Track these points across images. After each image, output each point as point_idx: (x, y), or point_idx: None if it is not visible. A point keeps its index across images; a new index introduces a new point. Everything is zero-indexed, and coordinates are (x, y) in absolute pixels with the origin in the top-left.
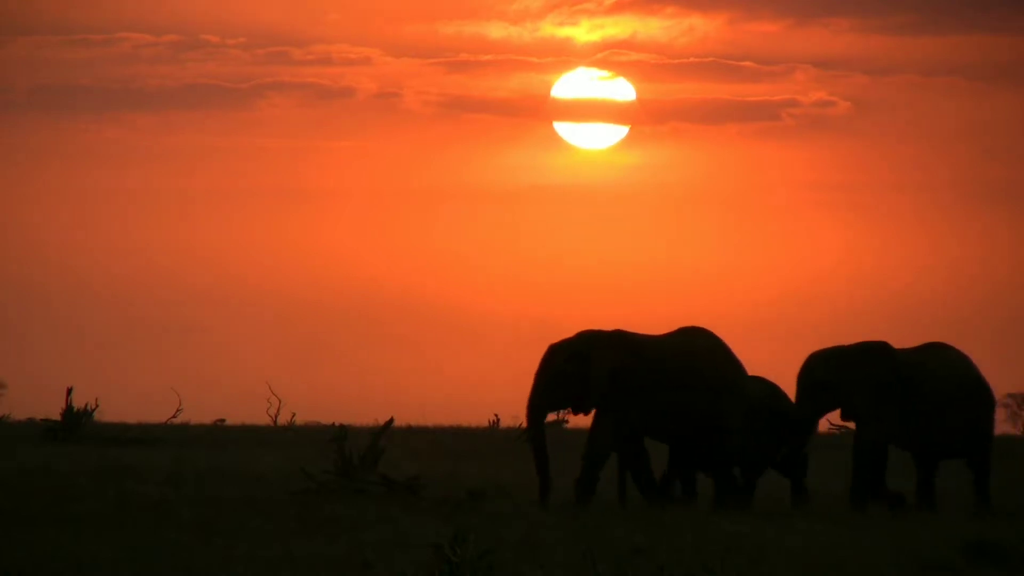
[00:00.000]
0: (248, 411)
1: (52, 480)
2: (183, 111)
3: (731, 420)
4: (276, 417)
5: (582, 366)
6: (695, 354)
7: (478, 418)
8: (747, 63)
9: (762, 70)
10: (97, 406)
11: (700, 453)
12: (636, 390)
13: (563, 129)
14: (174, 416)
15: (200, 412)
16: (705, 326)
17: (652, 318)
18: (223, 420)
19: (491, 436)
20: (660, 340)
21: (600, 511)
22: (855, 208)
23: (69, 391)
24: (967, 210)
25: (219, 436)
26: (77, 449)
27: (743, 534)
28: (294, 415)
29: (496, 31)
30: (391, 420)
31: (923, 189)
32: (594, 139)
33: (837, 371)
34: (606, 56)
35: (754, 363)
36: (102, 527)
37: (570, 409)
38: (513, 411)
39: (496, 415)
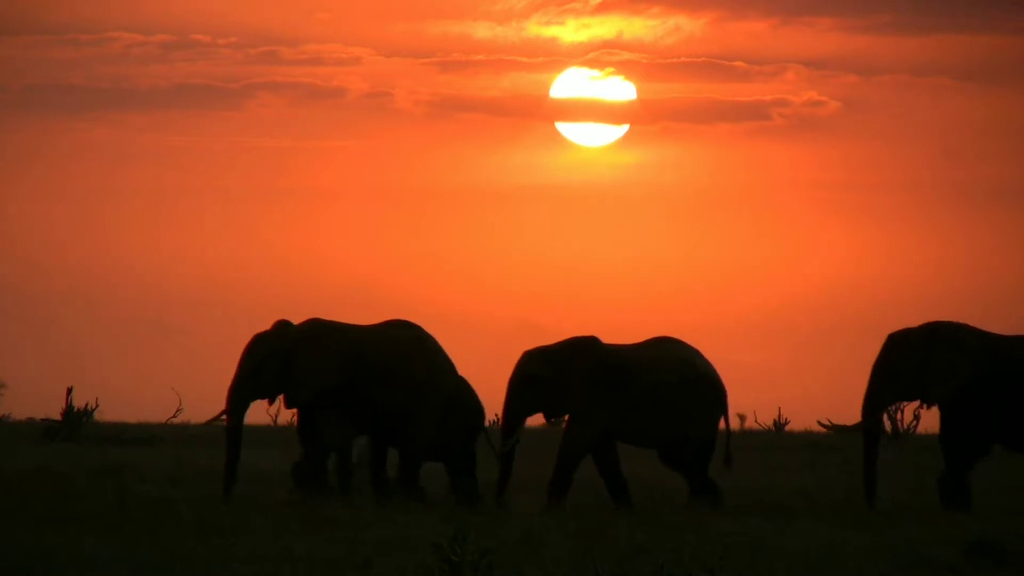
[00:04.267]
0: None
1: (52, 480)
2: (174, 111)
3: (425, 416)
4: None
5: (288, 360)
6: (398, 347)
7: None
8: (737, 63)
9: (752, 70)
10: (97, 406)
11: (393, 445)
12: (349, 383)
13: (560, 128)
14: (174, 416)
15: (200, 412)
16: (702, 323)
17: (647, 317)
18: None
19: (491, 436)
20: (364, 331)
21: (600, 511)
22: (849, 207)
23: (69, 391)
24: (959, 210)
25: (219, 436)
26: (77, 449)
27: (743, 534)
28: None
29: (482, 31)
30: None
31: (915, 189)
32: (588, 138)
33: (546, 367)
34: (597, 56)
35: (746, 360)
36: (102, 527)
37: (268, 401)
38: None
39: (496, 415)
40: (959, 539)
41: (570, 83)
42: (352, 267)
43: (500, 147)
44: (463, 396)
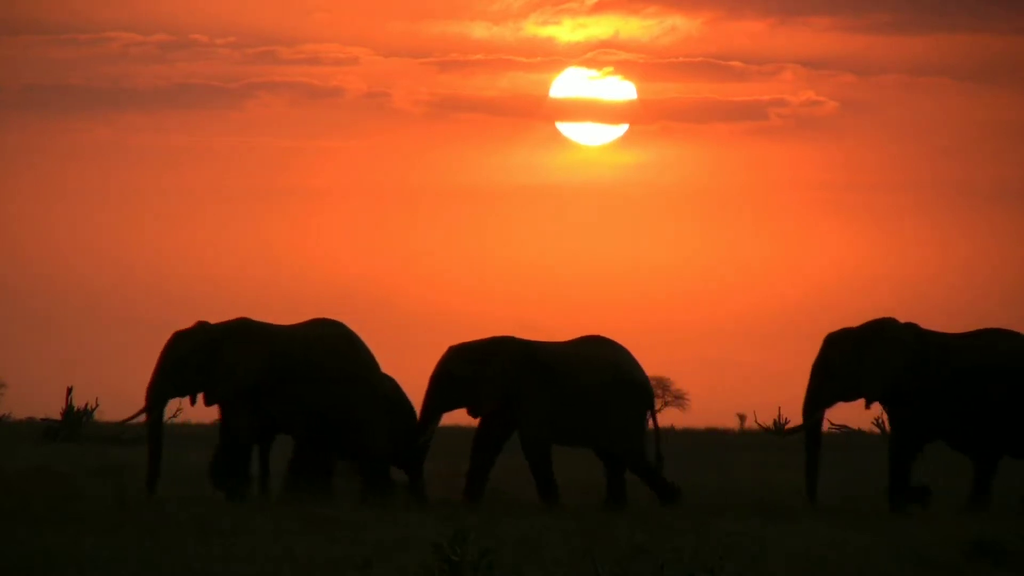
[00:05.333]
0: None
1: (52, 480)
2: (173, 110)
3: (365, 414)
4: None
5: (211, 357)
6: (324, 345)
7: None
8: (735, 63)
9: (750, 70)
10: (97, 406)
11: (339, 449)
12: (271, 383)
13: (559, 127)
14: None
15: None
16: (694, 322)
17: (647, 317)
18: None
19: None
20: (291, 331)
21: (600, 511)
22: (848, 207)
23: (69, 391)
24: (959, 210)
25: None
26: (77, 449)
27: (743, 534)
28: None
29: (479, 31)
30: None
31: (914, 189)
32: (587, 138)
33: (469, 365)
34: (594, 56)
35: (746, 360)
36: (102, 527)
37: (190, 399)
38: None
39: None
40: (959, 539)
41: (569, 83)
42: (351, 267)
43: (499, 147)
44: (397, 397)
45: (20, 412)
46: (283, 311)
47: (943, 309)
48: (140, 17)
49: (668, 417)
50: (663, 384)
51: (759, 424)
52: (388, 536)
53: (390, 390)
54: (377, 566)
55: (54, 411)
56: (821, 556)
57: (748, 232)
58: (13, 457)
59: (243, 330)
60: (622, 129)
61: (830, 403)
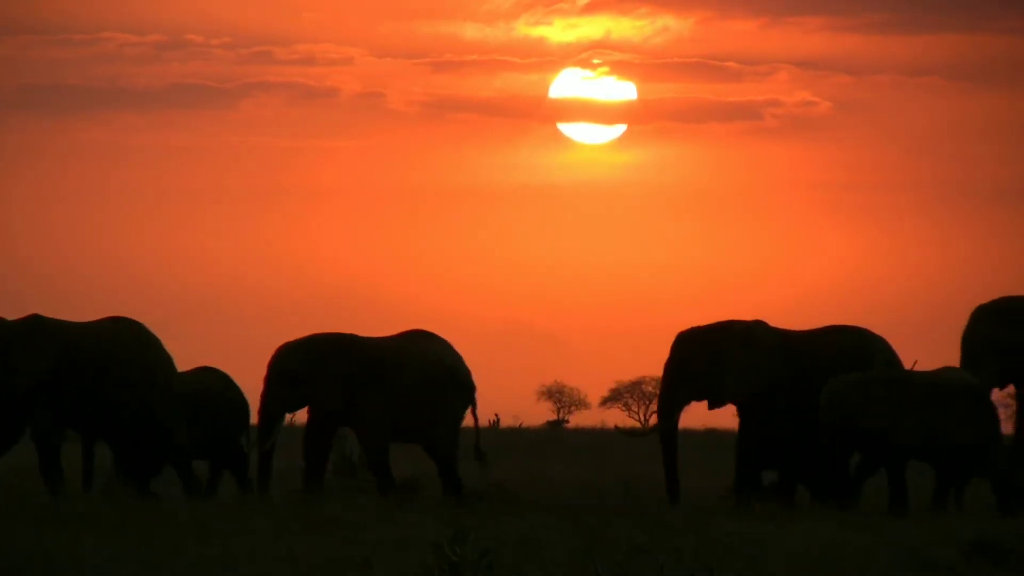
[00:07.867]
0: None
1: None
2: (168, 110)
3: (165, 414)
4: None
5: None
6: (119, 345)
7: None
8: (729, 63)
9: (744, 70)
10: None
11: (139, 451)
12: (61, 378)
13: (557, 127)
14: None
15: None
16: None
17: (647, 316)
18: None
19: (491, 436)
20: (83, 328)
21: (600, 511)
22: (845, 207)
23: None
24: (950, 209)
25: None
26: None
27: (743, 534)
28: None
29: (471, 31)
30: None
31: (912, 189)
32: (584, 138)
33: (304, 363)
34: (587, 56)
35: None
36: (102, 527)
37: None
38: (513, 410)
39: (496, 415)
40: (959, 539)
41: (567, 83)
42: (348, 267)
43: (497, 147)
44: (227, 392)
45: None
46: (281, 309)
47: (941, 309)
48: (135, 17)
49: None
50: None
51: None
52: (388, 536)
53: (219, 385)
54: (377, 566)
55: None
56: (821, 556)
57: (746, 232)
58: (13, 457)
59: (33, 328)
60: (620, 129)
61: (686, 403)
